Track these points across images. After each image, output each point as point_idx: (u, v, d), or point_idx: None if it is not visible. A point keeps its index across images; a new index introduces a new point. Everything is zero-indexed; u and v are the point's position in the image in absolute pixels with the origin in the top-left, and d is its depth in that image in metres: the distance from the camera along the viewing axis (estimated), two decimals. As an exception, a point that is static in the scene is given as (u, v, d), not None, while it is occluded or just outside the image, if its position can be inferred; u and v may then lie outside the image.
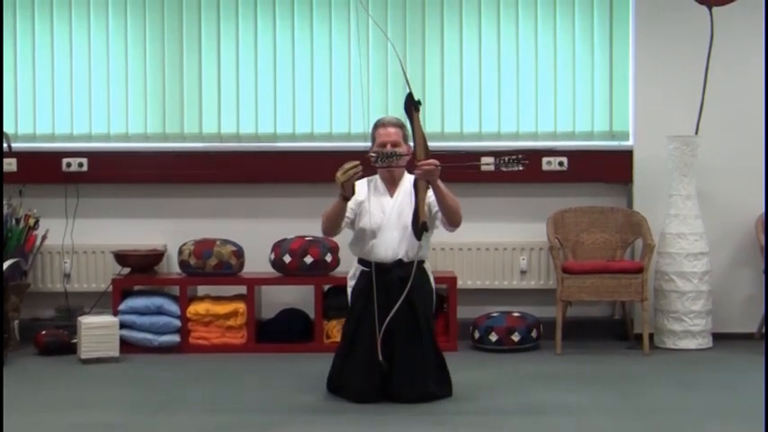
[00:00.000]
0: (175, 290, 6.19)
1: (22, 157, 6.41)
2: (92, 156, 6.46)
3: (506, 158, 4.57)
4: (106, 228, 6.51)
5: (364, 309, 4.71)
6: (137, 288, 6.29)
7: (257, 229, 6.42)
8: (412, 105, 4.54)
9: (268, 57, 6.50)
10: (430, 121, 6.42)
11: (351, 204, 4.73)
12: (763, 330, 6.26)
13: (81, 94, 6.52)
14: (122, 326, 5.93)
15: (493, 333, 6.04)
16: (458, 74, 6.48)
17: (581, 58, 6.48)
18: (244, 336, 6.06)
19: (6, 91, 6.44)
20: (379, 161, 4.70)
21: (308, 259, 6.08)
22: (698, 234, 6.09)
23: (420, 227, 4.55)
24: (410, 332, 4.67)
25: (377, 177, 4.94)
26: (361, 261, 4.92)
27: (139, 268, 6.22)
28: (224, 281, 6.19)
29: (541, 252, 6.46)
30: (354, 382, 4.71)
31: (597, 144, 6.48)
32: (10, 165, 6.35)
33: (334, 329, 5.97)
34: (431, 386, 4.71)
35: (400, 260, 4.79)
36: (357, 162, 4.55)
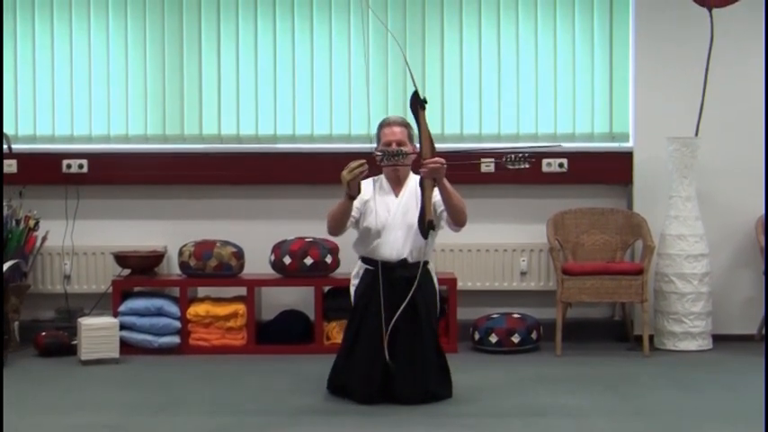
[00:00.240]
0: (175, 291, 6.19)
1: (23, 158, 6.40)
2: (92, 157, 6.46)
3: (512, 156, 4.57)
4: (106, 229, 6.51)
5: (367, 308, 4.71)
6: (137, 289, 6.29)
7: (257, 231, 6.42)
8: (418, 103, 4.54)
9: (268, 58, 6.51)
10: (430, 123, 6.31)
11: (356, 204, 4.73)
12: (764, 332, 6.26)
13: (81, 96, 6.52)
14: (122, 327, 5.93)
15: (493, 334, 6.04)
16: (458, 75, 6.48)
17: (581, 59, 6.48)
18: (244, 337, 6.06)
19: (6, 92, 6.44)
20: (384, 160, 4.70)
21: (308, 261, 6.08)
22: (698, 235, 6.09)
23: (426, 225, 4.54)
24: (413, 332, 4.67)
25: (382, 177, 4.94)
26: (364, 259, 4.91)
27: (139, 269, 6.22)
28: (224, 282, 6.19)
29: (541, 253, 6.46)
30: (357, 382, 4.71)
31: (597, 145, 6.48)
32: (10, 166, 6.35)
33: (334, 331, 5.97)
34: (432, 386, 4.71)
35: (405, 260, 4.79)
36: (363, 161, 4.55)
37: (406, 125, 4.90)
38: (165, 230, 6.50)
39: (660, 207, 6.22)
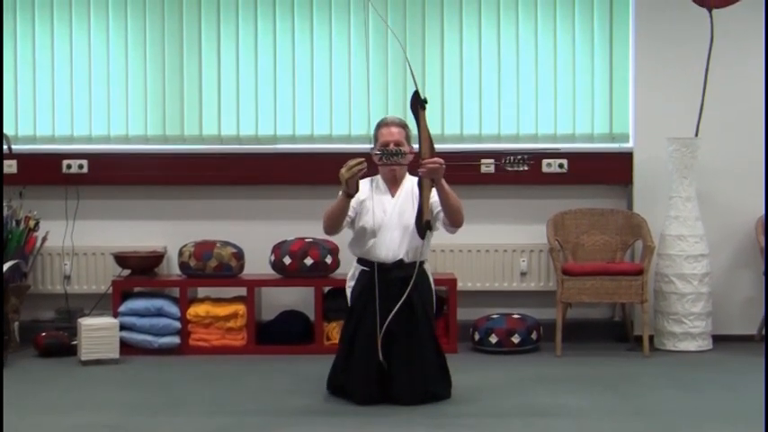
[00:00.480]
0: (175, 291, 6.19)
1: (23, 158, 6.40)
2: (92, 157, 6.46)
3: (511, 158, 4.57)
4: (106, 229, 6.51)
5: (364, 309, 4.71)
6: (137, 290, 6.29)
7: (257, 231, 6.42)
8: (418, 103, 4.55)
9: (268, 58, 6.51)
10: (430, 123, 6.30)
11: (352, 203, 4.73)
12: (764, 332, 6.26)
13: (81, 96, 6.52)
14: (122, 327, 5.93)
15: (493, 335, 6.04)
16: (458, 75, 6.48)
17: (581, 59, 6.48)
18: (244, 337, 6.06)
19: (6, 93, 6.44)
20: (384, 158, 4.71)
21: (308, 261, 6.08)
22: (698, 236, 6.09)
23: (424, 225, 4.55)
24: (410, 333, 4.67)
25: (378, 177, 4.94)
26: (360, 261, 4.92)
27: (139, 270, 6.22)
28: (224, 282, 6.19)
29: (541, 254, 6.46)
30: (355, 384, 4.71)
31: (597, 146, 6.48)
32: (10, 166, 6.35)
33: (334, 331, 5.97)
34: (431, 386, 4.71)
35: (401, 260, 4.79)
36: (362, 159, 4.55)
37: (403, 126, 4.91)
38: (165, 231, 6.50)
39: (660, 207, 6.22)
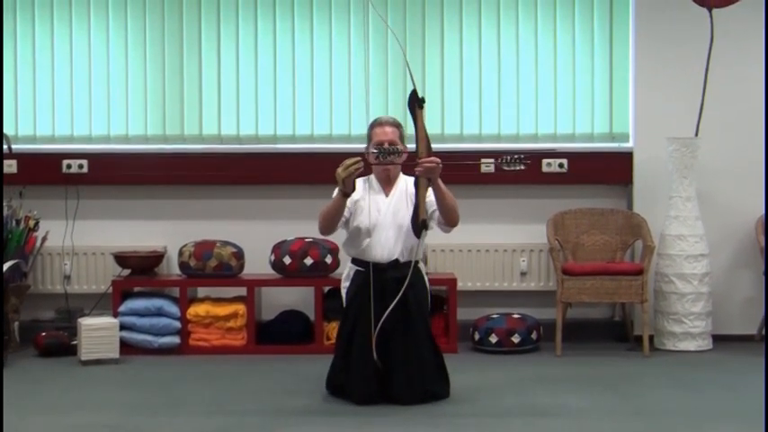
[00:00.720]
0: (175, 291, 6.19)
1: (23, 158, 6.40)
2: (92, 157, 6.46)
3: (508, 158, 4.57)
4: (106, 229, 6.51)
5: (359, 310, 4.71)
6: (137, 289, 6.29)
7: (257, 231, 6.42)
8: (416, 102, 4.55)
9: (268, 58, 6.51)
10: (430, 123, 6.37)
11: (347, 202, 4.73)
12: (764, 332, 6.26)
13: (81, 96, 6.52)
14: (122, 327, 5.93)
15: (493, 335, 6.04)
16: (458, 75, 6.48)
17: (581, 59, 6.48)
18: (244, 337, 6.06)
19: (6, 92, 6.44)
20: (380, 157, 4.71)
21: (308, 261, 6.08)
22: (698, 236, 6.09)
23: (420, 225, 4.55)
24: (407, 332, 4.67)
25: (372, 176, 4.94)
26: (355, 261, 4.92)
27: (139, 270, 6.22)
28: (224, 282, 6.19)
29: (541, 254, 6.46)
30: (354, 384, 4.70)
31: (597, 146, 6.48)
32: (10, 166, 6.35)
33: (334, 331, 5.95)
34: (429, 384, 4.71)
35: (396, 260, 4.79)
36: (358, 158, 4.55)
37: (397, 125, 4.91)
38: (165, 230, 6.51)
39: (660, 207, 6.22)
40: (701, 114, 6.12)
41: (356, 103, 6.46)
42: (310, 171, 6.31)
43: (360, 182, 4.83)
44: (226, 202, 6.55)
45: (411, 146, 4.74)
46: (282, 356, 5.89)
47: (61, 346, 5.94)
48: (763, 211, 6.21)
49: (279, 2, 6.50)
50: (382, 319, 4.54)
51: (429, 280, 5.07)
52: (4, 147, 6.12)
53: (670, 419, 4.42)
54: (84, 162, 6.45)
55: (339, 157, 4.65)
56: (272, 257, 6.16)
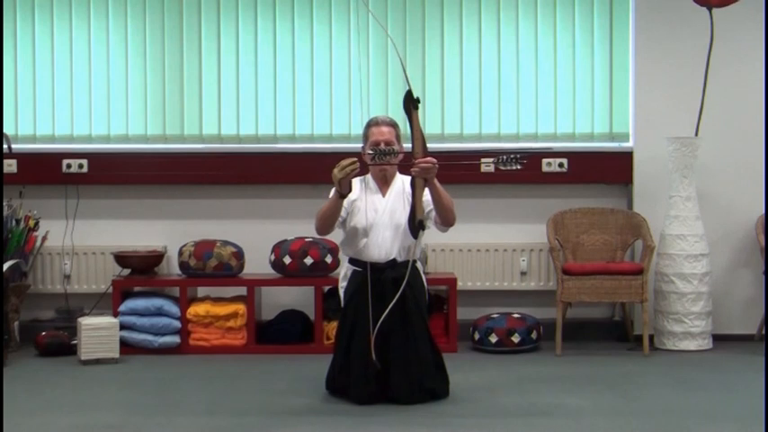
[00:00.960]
0: (175, 291, 6.19)
1: (23, 158, 6.41)
2: (92, 157, 6.47)
3: (504, 157, 4.57)
4: (106, 229, 6.51)
5: (357, 310, 4.70)
6: (137, 289, 6.29)
7: (257, 231, 6.42)
8: (411, 103, 4.54)
9: (268, 58, 6.51)
10: (430, 123, 6.43)
11: (343, 203, 4.73)
12: (763, 332, 6.26)
13: (81, 96, 6.52)
14: (122, 327, 5.93)
15: (493, 334, 6.04)
16: (458, 75, 6.48)
17: (581, 59, 6.48)
18: (244, 337, 6.06)
19: (6, 92, 6.44)
20: (376, 158, 4.70)
21: (308, 260, 6.08)
22: (698, 235, 6.09)
23: (417, 225, 4.55)
24: (405, 332, 4.67)
25: (369, 176, 4.94)
26: (352, 261, 4.92)
27: (139, 269, 6.22)
28: (224, 282, 6.19)
29: (541, 253, 6.46)
30: (354, 384, 4.70)
31: (597, 145, 6.49)
32: (10, 166, 6.35)
33: (334, 331, 5.95)
34: (428, 383, 4.71)
35: (393, 260, 4.79)
36: (354, 159, 4.55)
37: (394, 125, 4.91)
38: (165, 230, 6.51)
39: (660, 207, 6.22)
40: (700, 114, 6.12)
41: (356, 103, 6.46)
42: (310, 171, 6.31)
43: (356, 182, 4.83)
44: (226, 202, 6.55)
45: (407, 145, 4.74)
46: (282, 356, 5.90)
47: (61, 345, 5.94)
48: (763, 211, 6.21)
49: (279, 2, 6.50)
50: (380, 320, 4.54)
51: (429, 280, 5.07)
52: (4, 146, 6.12)
53: (670, 419, 4.42)
54: (84, 162, 6.45)
55: (339, 156, 4.65)
56: (272, 257, 6.16)
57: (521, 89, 6.49)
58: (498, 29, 6.49)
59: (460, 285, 6.23)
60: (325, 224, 4.76)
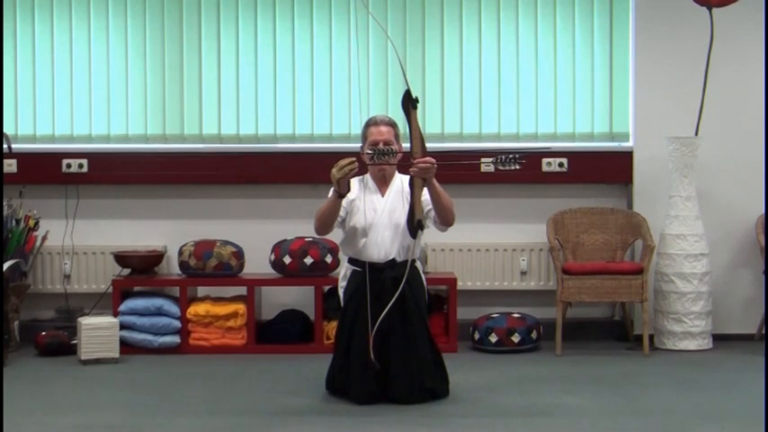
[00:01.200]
0: (175, 291, 6.19)
1: (23, 158, 6.41)
2: (92, 157, 6.47)
3: (503, 157, 4.57)
4: (106, 229, 6.51)
5: (357, 310, 4.70)
6: (137, 289, 6.29)
7: (257, 230, 6.42)
8: (409, 103, 4.54)
9: (268, 58, 6.51)
10: (430, 122, 6.43)
11: (342, 203, 4.73)
12: (763, 331, 6.26)
13: (81, 96, 6.52)
14: (122, 327, 5.93)
15: (493, 334, 6.04)
16: (458, 75, 6.48)
17: (581, 59, 6.48)
18: (244, 337, 6.06)
19: (6, 92, 6.44)
20: (375, 158, 4.70)
21: (308, 260, 6.08)
22: (698, 235, 6.09)
23: (416, 225, 4.54)
24: (405, 331, 4.67)
25: (368, 176, 4.94)
26: (352, 261, 4.92)
27: (139, 269, 6.22)
28: (224, 282, 6.19)
29: (541, 253, 6.46)
30: (353, 385, 4.70)
31: (597, 145, 6.49)
32: (10, 166, 6.35)
33: (334, 330, 5.96)
34: (428, 383, 4.71)
35: (393, 260, 4.79)
36: (353, 159, 4.55)
37: (393, 124, 4.90)
38: (165, 230, 6.51)
39: (660, 207, 6.22)
40: (700, 114, 6.12)
41: (356, 103, 6.46)
42: (310, 170, 6.31)
43: (355, 181, 4.83)
44: (226, 201, 6.55)
45: (406, 145, 4.74)
46: (282, 356, 5.90)
47: (61, 345, 5.94)
48: (763, 211, 6.21)
49: (279, 2, 6.50)
50: (379, 320, 4.53)
51: (428, 279, 5.07)
52: (4, 146, 6.12)
53: (670, 419, 4.42)
54: (84, 162, 6.45)
55: (339, 156, 4.64)
56: (272, 257, 6.16)
57: (521, 89, 6.49)
58: (498, 29, 6.49)
59: (460, 285, 6.23)
60: (324, 224, 4.76)
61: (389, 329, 4.62)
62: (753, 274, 6.37)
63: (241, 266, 6.22)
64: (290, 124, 6.52)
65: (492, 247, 6.49)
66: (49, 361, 5.81)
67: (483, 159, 5.78)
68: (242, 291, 6.18)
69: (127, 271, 6.23)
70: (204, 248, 6.16)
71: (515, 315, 6.16)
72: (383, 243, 4.81)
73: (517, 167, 4.58)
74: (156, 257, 6.29)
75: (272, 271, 6.19)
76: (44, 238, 6.32)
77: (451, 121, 6.49)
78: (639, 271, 5.94)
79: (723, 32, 6.14)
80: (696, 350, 6.04)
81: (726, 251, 6.39)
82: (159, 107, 6.52)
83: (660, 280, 6.13)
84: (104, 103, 6.52)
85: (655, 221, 6.17)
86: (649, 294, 6.02)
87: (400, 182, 4.87)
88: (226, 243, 6.22)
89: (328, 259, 6.12)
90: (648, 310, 5.99)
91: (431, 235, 5.18)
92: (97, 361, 5.69)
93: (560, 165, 6.43)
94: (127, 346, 5.91)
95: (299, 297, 6.33)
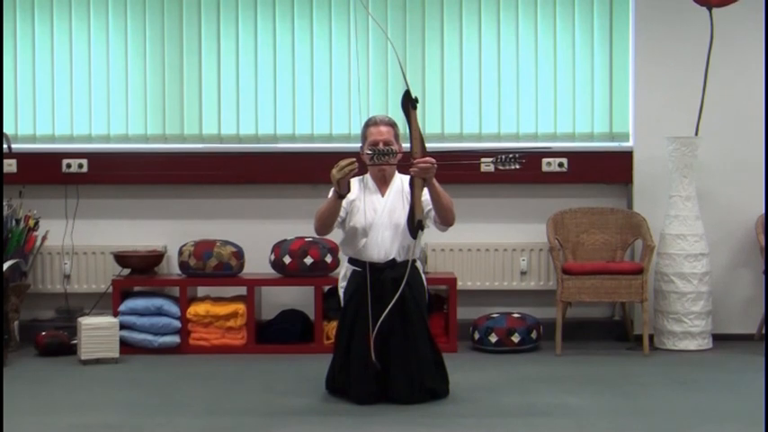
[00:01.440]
0: (175, 291, 6.19)
1: (23, 157, 6.41)
2: (92, 157, 6.47)
3: (503, 157, 4.57)
4: (106, 229, 6.51)
5: (357, 310, 4.70)
6: (137, 289, 6.29)
7: (257, 230, 6.42)
8: (409, 103, 4.54)
9: (268, 58, 6.51)
10: (430, 122, 6.43)
11: (342, 203, 4.73)
12: (763, 331, 6.26)
13: (81, 95, 6.52)
14: (122, 327, 5.93)
15: (493, 334, 6.04)
16: (458, 75, 6.48)
17: (581, 58, 6.48)
18: (244, 337, 6.06)
19: (6, 92, 6.44)
20: (375, 158, 4.70)
21: (308, 260, 6.08)
22: (698, 235, 6.09)
23: (416, 225, 4.54)
24: (405, 331, 4.67)
25: (368, 176, 4.94)
26: (352, 261, 4.92)
27: (139, 269, 6.22)
28: (224, 282, 6.19)
29: (541, 253, 6.46)
30: (353, 385, 4.70)
31: (597, 145, 6.49)
32: (10, 166, 6.35)
33: (334, 330, 5.96)
34: (428, 383, 4.71)
35: (393, 260, 4.79)
36: (353, 159, 4.55)
37: (392, 124, 4.90)
38: (165, 230, 6.51)
39: (660, 206, 6.22)
40: (700, 114, 6.12)
41: (356, 103, 6.46)
42: (310, 170, 6.31)
43: (355, 181, 4.83)
44: (226, 201, 6.55)
45: (406, 144, 4.74)
46: (282, 356, 5.90)
47: (61, 345, 5.94)
48: (763, 211, 6.21)
49: (279, 2, 6.50)
50: (380, 321, 4.53)
51: (428, 279, 5.07)
52: (4, 146, 6.12)
53: (670, 419, 4.42)
54: (84, 161, 6.45)
55: (339, 156, 4.65)
56: (272, 257, 6.16)
57: (521, 89, 6.49)
58: (498, 29, 6.49)
59: (460, 285, 6.23)
60: (324, 224, 4.76)
61: (390, 330, 4.62)
62: (753, 274, 6.37)
63: (241, 266, 6.22)
64: (289, 124, 6.52)
65: (492, 247, 6.49)
66: (49, 361, 5.81)
67: (483, 159, 5.78)
68: (242, 291, 6.18)
69: (127, 271, 6.24)
70: (204, 248, 6.16)
71: (515, 315, 6.16)
72: (383, 243, 4.81)
73: (517, 167, 4.58)
74: (156, 257, 6.29)
75: (272, 271, 6.20)
76: (44, 238, 6.32)
77: (451, 121, 6.49)
78: (639, 271, 5.94)
79: (723, 32, 6.14)
80: (696, 350, 6.04)
81: (726, 251, 6.39)
82: (159, 107, 6.52)
83: (660, 280, 6.13)
84: (104, 103, 6.52)
85: (655, 221, 6.17)
86: (649, 294, 6.02)
87: (400, 182, 4.87)
88: (226, 243, 6.22)
89: (328, 259, 6.12)
90: (648, 310, 5.99)
91: (431, 235, 5.18)
92: (97, 361, 5.69)
93: (560, 165, 6.43)
94: (127, 346, 5.91)
95: (298, 297, 6.33)
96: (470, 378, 5.20)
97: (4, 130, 6.16)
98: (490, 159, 4.79)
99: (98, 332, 5.71)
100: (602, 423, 4.37)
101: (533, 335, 6.10)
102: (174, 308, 6.05)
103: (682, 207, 6.10)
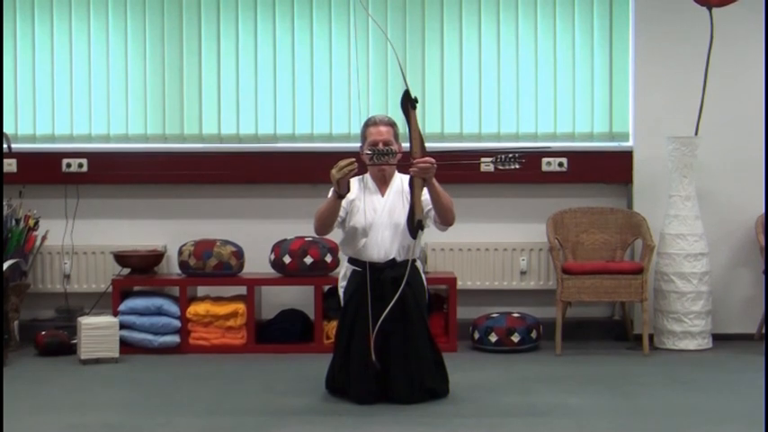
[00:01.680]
0: (175, 290, 6.19)
1: (22, 157, 6.41)
2: (92, 156, 6.47)
3: (503, 157, 4.57)
4: (106, 228, 6.51)
5: (357, 310, 4.70)
6: (136, 289, 6.29)
7: (257, 230, 6.42)
8: (408, 103, 4.54)
9: (268, 57, 6.51)
10: (430, 122, 6.43)
11: (342, 203, 4.73)
12: (763, 331, 6.26)
13: (81, 95, 6.52)
14: (122, 326, 5.93)
15: (492, 334, 6.05)
16: (458, 75, 6.48)
17: (581, 58, 6.48)
18: (243, 336, 6.06)
19: (6, 91, 6.44)
20: (374, 159, 4.70)
21: (308, 260, 6.08)
22: (697, 235, 6.09)
23: (416, 225, 4.54)
24: (405, 331, 4.67)
25: (367, 176, 4.94)
26: (351, 260, 4.92)
27: (139, 269, 6.22)
28: (224, 281, 6.19)
29: (541, 253, 6.46)
30: (353, 385, 4.70)
31: (597, 145, 6.49)
32: (10, 165, 6.35)
33: (334, 330, 5.96)
34: (428, 382, 4.71)
35: (393, 260, 4.79)
36: (353, 159, 4.55)
37: (392, 124, 4.90)
38: (165, 230, 6.51)
39: (660, 206, 6.23)
40: (700, 114, 6.12)
41: (356, 102, 6.45)
42: (310, 170, 6.31)
43: (355, 181, 4.83)
44: (226, 201, 6.55)
45: (405, 144, 4.74)
46: (282, 356, 5.90)
47: (61, 345, 5.94)
48: (762, 210, 6.21)
49: (279, 2, 6.50)
50: (380, 321, 4.54)
51: (428, 279, 5.07)
52: (4, 146, 6.12)
53: (670, 419, 4.42)
54: (84, 161, 6.45)
55: (339, 156, 4.65)
56: (272, 256, 6.17)
57: (520, 89, 6.49)
58: (498, 29, 6.49)
59: (460, 285, 6.23)
60: (324, 224, 4.76)
61: (389, 329, 4.62)
62: (753, 273, 6.38)
63: (241, 266, 6.22)
64: (289, 124, 6.52)
65: (492, 247, 6.49)
66: (48, 361, 5.81)
67: (483, 159, 5.78)
68: (242, 290, 6.18)
69: (127, 271, 6.24)
70: (204, 248, 6.16)
71: (515, 315, 6.16)
72: (383, 243, 4.81)
73: (517, 167, 4.58)
74: (156, 257, 6.29)
75: (272, 271, 6.20)
76: (44, 238, 6.32)
77: (451, 121, 6.49)
78: (639, 270, 5.94)
79: (723, 33, 6.14)
80: (696, 350, 6.04)
81: (725, 251, 6.39)
82: (159, 107, 6.52)
83: (660, 279, 6.13)
84: (104, 102, 6.52)
85: (654, 221, 6.17)
86: (649, 294, 6.02)
87: (400, 182, 4.87)
88: (226, 243, 6.22)
89: (328, 259, 6.12)
90: (648, 309, 5.99)
91: (431, 235, 5.18)
92: (97, 361, 5.69)
93: (560, 164, 6.43)
94: (127, 346, 5.91)
95: (298, 297, 6.33)
96: (470, 378, 5.20)
97: (4, 130, 6.16)
98: (490, 159, 4.79)
99: (98, 332, 5.72)
100: (602, 423, 4.37)
101: (533, 334, 6.10)
102: (173, 307, 6.05)
103: (681, 207, 6.10)
